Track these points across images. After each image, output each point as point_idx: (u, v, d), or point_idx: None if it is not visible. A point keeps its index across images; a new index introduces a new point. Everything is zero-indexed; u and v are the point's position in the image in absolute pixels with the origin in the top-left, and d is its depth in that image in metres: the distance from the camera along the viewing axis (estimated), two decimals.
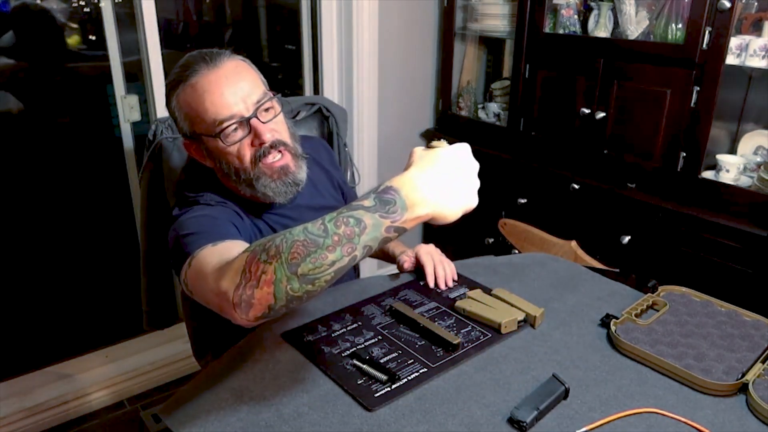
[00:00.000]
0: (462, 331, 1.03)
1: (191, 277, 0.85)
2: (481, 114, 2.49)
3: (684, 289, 1.15)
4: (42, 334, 2.12)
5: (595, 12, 1.94)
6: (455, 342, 0.97)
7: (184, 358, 2.09)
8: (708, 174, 1.75)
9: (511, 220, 1.94)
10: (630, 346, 0.96)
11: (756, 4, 1.64)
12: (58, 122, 2.13)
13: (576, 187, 2.00)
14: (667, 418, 0.82)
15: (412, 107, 2.59)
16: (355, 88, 2.33)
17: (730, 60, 1.61)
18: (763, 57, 1.57)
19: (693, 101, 1.68)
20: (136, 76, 1.95)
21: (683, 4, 1.70)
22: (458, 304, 1.09)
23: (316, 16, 2.30)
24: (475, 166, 0.76)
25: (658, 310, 1.09)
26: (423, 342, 0.99)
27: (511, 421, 0.80)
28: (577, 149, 2.02)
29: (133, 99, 1.96)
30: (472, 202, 0.75)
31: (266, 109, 1.01)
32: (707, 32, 1.61)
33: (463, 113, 2.53)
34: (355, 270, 1.48)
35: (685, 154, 1.74)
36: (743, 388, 0.87)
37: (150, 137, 1.39)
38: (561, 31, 2.03)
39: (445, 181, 0.72)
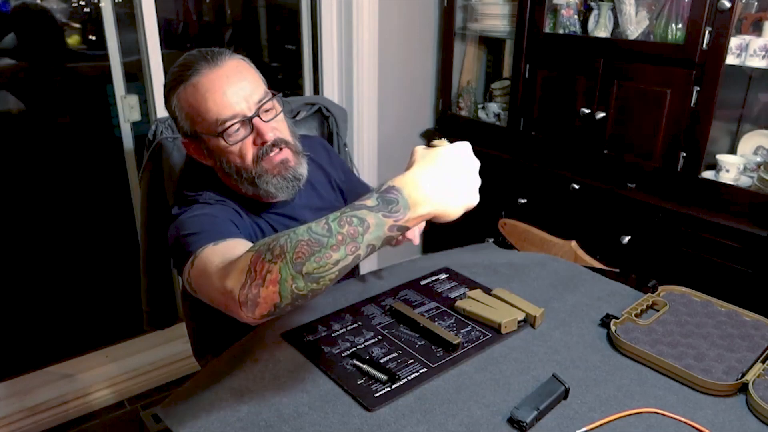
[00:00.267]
0: (462, 331, 1.03)
1: (195, 276, 0.86)
2: (481, 114, 2.48)
3: (684, 289, 1.15)
4: (42, 334, 2.12)
5: (595, 12, 1.94)
6: (455, 342, 0.97)
7: (184, 358, 2.09)
8: (708, 174, 1.75)
9: (511, 220, 1.93)
10: (630, 346, 0.96)
11: (756, 4, 1.64)
12: (58, 122, 2.13)
13: (576, 187, 2.00)
14: (667, 418, 0.82)
15: (412, 107, 2.59)
16: (355, 88, 2.33)
17: (730, 60, 1.61)
18: (763, 57, 1.57)
19: (693, 101, 1.68)
20: (136, 76, 1.95)
21: (683, 4, 1.70)
22: (458, 304, 1.09)
23: (316, 16, 2.30)
24: (476, 164, 0.77)
25: (658, 310, 1.09)
26: (423, 342, 0.99)
27: (511, 421, 0.80)
28: (577, 149, 2.02)
29: (133, 99, 1.96)
30: (473, 200, 0.76)
31: (267, 109, 1.01)
32: (707, 32, 1.61)
33: (463, 113, 2.53)
34: (355, 269, 1.48)
35: (685, 154, 1.74)
36: (743, 388, 0.87)
37: (150, 137, 1.39)
38: (561, 31, 2.03)
39: (447, 179, 0.73)
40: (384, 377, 0.89)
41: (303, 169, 1.08)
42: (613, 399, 0.86)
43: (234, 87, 0.98)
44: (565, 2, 2.01)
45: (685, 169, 1.74)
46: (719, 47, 1.60)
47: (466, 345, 0.98)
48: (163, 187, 1.38)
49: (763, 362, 0.93)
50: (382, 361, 0.94)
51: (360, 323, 1.05)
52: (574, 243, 1.68)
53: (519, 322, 1.04)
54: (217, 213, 1.01)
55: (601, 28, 1.92)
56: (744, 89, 1.80)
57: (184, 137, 1.06)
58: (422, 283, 1.20)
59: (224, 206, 1.05)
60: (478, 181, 0.77)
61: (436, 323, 1.04)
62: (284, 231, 0.73)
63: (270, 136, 1.00)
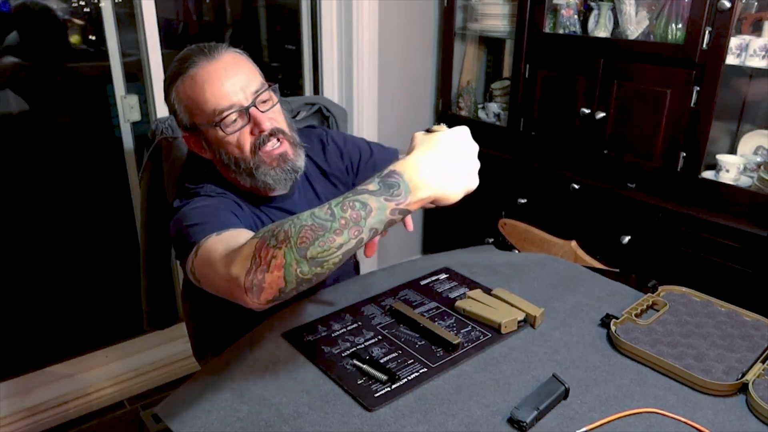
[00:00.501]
0: (462, 331, 1.03)
1: (199, 266, 0.87)
2: (481, 114, 2.49)
3: (684, 289, 1.15)
4: (42, 334, 2.12)
5: (595, 12, 1.94)
6: (455, 342, 0.97)
7: (184, 358, 2.09)
8: (708, 174, 1.75)
9: (511, 220, 1.93)
10: (630, 346, 0.96)
11: (756, 4, 1.64)
12: (58, 122, 2.13)
13: (576, 187, 2.00)
14: (667, 418, 0.82)
15: (412, 107, 2.59)
16: (355, 88, 2.33)
17: (730, 60, 1.61)
18: (763, 57, 1.57)
19: (693, 101, 1.68)
20: (136, 76, 1.95)
21: (683, 4, 1.70)
22: (458, 304, 1.09)
23: (316, 16, 2.30)
24: (475, 147, 0.79)
25: (658, 310, 1.09)
26: (423, 342, 0.99)
27: (511, 421, 0.80)
28: (577, 149, 2.02)
29: (133, 99, 1.96)
30: (473, 183, 0.77)
31: (264, 100, 1.03)
32: (707, 32, 1.61)
33: (463, 113, 2.53)
34: (355, 268, 1.48)
35: (685, 154, 1.74)
36: (743, 388, 0.87)
37: (150, 137, 1.39)
38: (561, 31, 2.03)
39: (447, 163, 0.74)
40: (384, 377, 0.89)
41: (301, 162, 1.09)
42: (613, 399, 0.86)
43: (231, 78, 0.99)
44: (565, 2, 2.01)
45: (685, 169, 1.74)
46: (719, 47, 1.60)
47: (466, 345, 0.98)
48: (163, 187, 1.38)
49: (763, 362, 0.93)
50: (382, 361, 0.94)
51: (360, 323, 1.05)
52: (574, 243, 1.67)
53: (519, 322, 1.04)
54: (219, 204, 1.02)
55: (601, 28, 1.92)
56: (744, 89, 1.80)
57: (184, 131, 1.08)
58: (422, 283, 1.20)
59: (225, 198, 1.06)
60: (477, 165, 0.78)
61: (436, 323, 1.03)
62: (288, 217, 0.74)
63: (267, 126, 1.01)
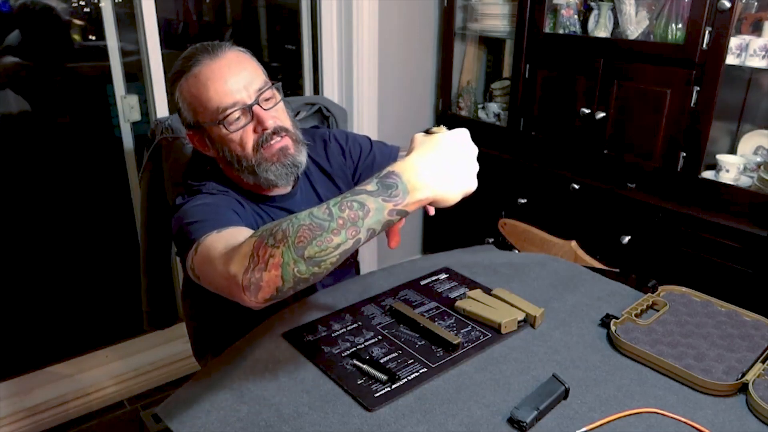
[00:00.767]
0: (462, 331, 1.03)
1: (198, 263, 0.87)
2: (481, 114, 2.49)
3: (684, 289, 1.15)
4: (42, 334, 2.12)
5: (595, 12, 1.94)
6: (455, 342, 0.97)
7: (184, 358, 2.09)
8: (708, 174, 1.75)
9: (511, 220, 1.93)
10: (630, 346, 0.96)
11: (756, 4, 1.64)
12: (58, 122, 2.13)
13: (576, 187, 2.00)
14: (667, 418, 0.82)
15: (412, 107, 2.59)
16: (355, 88, 2.33)
17: (730, 60, 1.61)
18: (763, 57, 1.57)
19: (693, 101, 1.68)
20: (136, 76, 1.95)
21: (683, 4, 1.70)
22: (458, 304, 1.09)
23: (316, 16, 2.30)
24: (474, 150, 0.79)
25: (658, 310, 1.09)
26: (423, 342, 0.99)
27: (511, 421, 0.80)
28: (577, 149, 2.02)
29: (133, 99, 1.96)
30: (471, 185, 0.77)
31: (267, 98, 1.03)
32: (707, 32, 1.61)
33: (463, 113, 2.53)
34: (355, 268, 1.48)
35: (685, 154, 1.74)
36: (743, 388, 0.87)
37: (150, 137, 1.39)
38: (561, 31, 2.03)
39: (446, 165, 0.74)
40: (384, 377, 0.89)
41: (302, 157, 1.09)
42: (613, 399, 0.86)
43: (235, 76, 1.00)
44: (565, 2, 2.01)
45: (685, 169, 1.74)
46: (719, 47, 1.60)
47: (466, 345, 0.98)
48: (163, 187, 1.38)
49: (763, 362, 0.93)
50: (382, 361, 0.94)
51: (360, 323, 1.05)
52: (574, 243, 1.67)
53: (519, 322, 1.04)
54: (220, 202, 1.02)
55: (601, 28, 1.92)
56: (744, 89, 1.80)
57: (187, 128, 1.08)
58: (422, 283, 1.20)
59: (226, 196, 1.06)
60: (476, 167, 0.78)
61: (436, 323, 1.03)
62: (286, 217, 0.74)
63: (270, 124, 1.02)
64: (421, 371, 0.91)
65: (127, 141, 2.00)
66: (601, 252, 1.78)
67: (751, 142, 1.78)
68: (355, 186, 0.75)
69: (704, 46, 1.62)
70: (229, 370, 0.93)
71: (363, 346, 0.98)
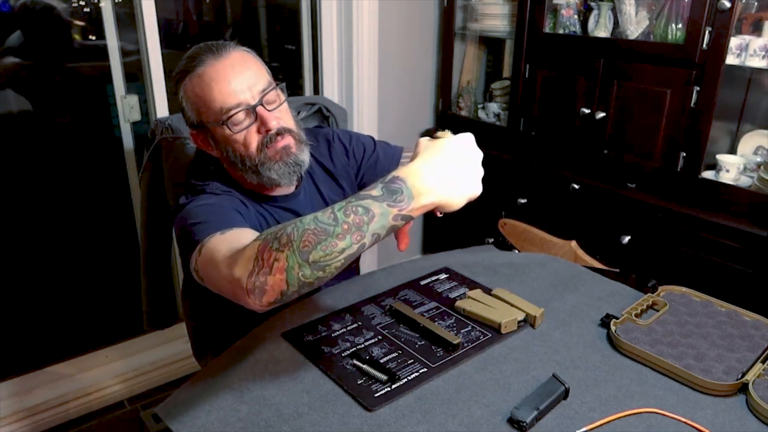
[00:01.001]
0: (462, 331, 1.03)
1: (202, 265, 0.87)
2: (481, 114, 2.49)
3: (684, 289, 1.15)
4: (42, 334, 2.12)
5: (595, 12, 1.94)
6: (455, 342, 0.97)
7: (184, 358, 2.09)
8: (708, 174, 1.75)
9: (511, 220, 1.93)
10: (630, 346, 0.96)
11: (756, 4, 1.64)
12: (59, 122, 2.13)
13: (576, 187, 2.00)
14: (667, 418, 0.82)
15: (412, 107, 2.59)
16: (355, 88, 2.33)
17: (730, 60, 1.61)
18: (763, 57, 1.57)
19: (693, 101, 1.68)
20: (136, 76, 1.95)
21: (683, 4, 1.70)
22: (458, 304, 1.09)
23: (316, 16, 2.30)
24: (479, 155, 0.79)
25: (658, 310, 1.09)
26: (423, 342, 0.99)
27: (511, 421, 0.80)
28: (577, 149, 2.02)
29: (133, 99, 1.96)
30: (476, 190, 0.77)
31: (271, 99, 1.04)
32: (707, 32, 1.61)
33: (463, 113, 2.53)
34: (355, 267, 1.48)
35: (685, 154, 1.74)
36: (743, 388, 0.87)
37: (150, 137, 1.39)
38: (561, 31, 2.03)
39: (450, 170, 0.74)
40: (384, 377, 0.89)
41: (305, 156, 1.09)
42: (613, 399, 0.86)
43: (239, 77, 1.00)
44: (565, 2, 2.01)
45: (685, 169, 1.74)
46: (719, 47, 1.60)
47: (466, 345, 0.98)
48: (163, 187, 1.38)
49: (763, 362, 0.93)
50: (382, 361, 0.94)
51: (360, 323, 1.05)
52: (574, 243, 1.67)
53: (519, 322, 1.04)
54: (224, 203, 1.02)
55: (601, 28, 1.92)
56: (744, 89, 1.80)
57: (191, 128, 1.08)
58: (422, 283, 1.20)
59: (230, 196, 1.06)
60: (481, 172, 0.78)
61: (436, 323, 1.03)
62: (291, 220, 0.74)
63: (273, 125, 1.02)
64: (421, 371, 0.91)
65: (127, 141, 2.00)
66: (601, 252, 1.78)
67: (751, 142, 1.78)
68: (359, 189, 0.75)
69: (704, 46, 1.62)
70: (229, 370, 0.93)
71: (363, 346, 0.98)
